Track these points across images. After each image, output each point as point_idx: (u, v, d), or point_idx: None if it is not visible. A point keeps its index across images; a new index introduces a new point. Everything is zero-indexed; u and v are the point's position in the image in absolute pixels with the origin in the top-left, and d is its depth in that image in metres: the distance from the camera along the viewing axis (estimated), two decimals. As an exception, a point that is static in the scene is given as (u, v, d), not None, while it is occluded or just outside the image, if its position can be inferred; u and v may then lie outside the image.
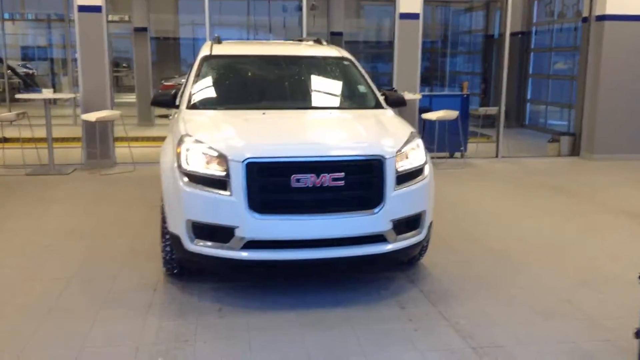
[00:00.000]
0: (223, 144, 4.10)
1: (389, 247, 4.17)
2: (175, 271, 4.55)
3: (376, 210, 4.09)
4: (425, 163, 4.46)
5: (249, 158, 3.96)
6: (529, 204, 7.10)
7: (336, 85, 5.56)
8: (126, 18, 16.58)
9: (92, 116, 8.44)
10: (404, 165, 4.26)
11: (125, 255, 5.16)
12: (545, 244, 5.55)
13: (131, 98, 16.55)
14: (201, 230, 4.09)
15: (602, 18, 9.90)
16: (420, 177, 4.38)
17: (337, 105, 5.38)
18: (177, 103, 5.17)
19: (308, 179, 3.95)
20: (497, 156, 10.21)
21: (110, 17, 9.35)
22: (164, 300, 4.25)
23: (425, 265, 4.91)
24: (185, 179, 4.10)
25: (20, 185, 7.85)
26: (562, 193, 7.68)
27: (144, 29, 14.69)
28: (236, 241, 4.00)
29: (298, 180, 3.95)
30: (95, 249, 5.33)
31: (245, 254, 4.02)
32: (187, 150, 4.16)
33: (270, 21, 15.77)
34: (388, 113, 5.14)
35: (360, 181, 4.11)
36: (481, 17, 17.28)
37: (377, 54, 18.00)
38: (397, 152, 4.21)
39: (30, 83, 19.35)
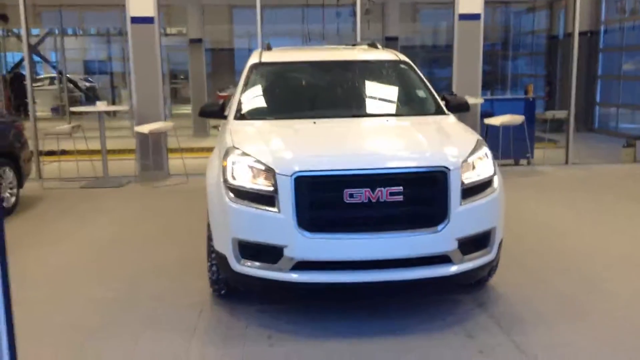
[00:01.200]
0: (270, 157, 3.79)
1: (454, 268, 3.74)
2: (222, 292, 4.27)
3: (440, 227, 3.67)
4: (494, 174, 4.02)
5: (297, 172, 3.63)
6: (607, 217, 6.48)
7: (393, 91, 5.18)
8: (183, 31, 16.70)
9: (145, 128, 8.35)
10: (471, 177, 3.83)
11: (173, 271, 4.93)
12: (636, 264, 4.97)
13: (188, 109, 16.64)
14: (248, 250, 3.79)
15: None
16: (489, 190, 3.94)
17: (394, 112, 4.97)
18: (225, 113, 4.92)
19: (362, 194, 3.59)
20: (566, 162, 9.56)
21: (167, 30, 9.27)
22: (210, 323, 3.97)
23: (494, 286, 4.45)
24: (232, 195, 3.81)
25: (75, 197, 7.81)
26: (630, 200, 7.03)
27: (199, 40, 14.72)
28: (285, 262, 3.67)
29: (351, 196, 3.59)
30: (143, 264, 5.13)
31: (295, 276, 3.68)
32: (233, 163, 3.87)
33: (324, 28, 15.50)
34: (450, 119, 4.72)
35: (421, 195, 3.71)
36: (544, 17, 16.50)
37: (434, 58, 17.45)
38: (462, 163, 3.79)
39: (91, 96, 19.79)
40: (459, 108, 5.04)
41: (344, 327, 3.86)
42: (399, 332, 3.77)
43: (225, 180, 3.86)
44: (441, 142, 4.01)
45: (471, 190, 3.83)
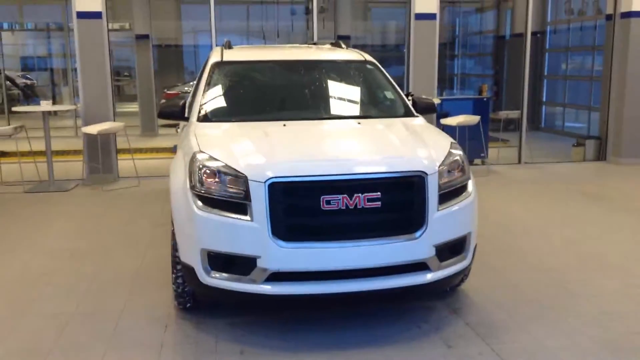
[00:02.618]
0: (241, 162, 3.60)
1: (430, 276, 3.65)
2: (188, 305, 4.05)
3: (417, 234, 3.57)
4: (469, 178, 3.96)
5: (271, 178, 3.46)
6: (565, 214, 6.58)
7: (361, 92, 5.06)
8: (127, 26, 16.15)
9: (93, 129, 7.96)
10: (447, 182, 3.75)
11: (131, 282, 4.66)
12: (598, 260, 5.03)
13: (133, 107, 16.12)
14: (218, 261, 3.58)
15: (628, 15, 9.40)
16: (464, 195, 3.87)
17: (364, 113, 4.85)
18: (186, 115, 4.68)
19: (340, 201, 3.45)
20: (519, 162, 9.70)
21: (110, 26, 8.86)
22: (177, 339, 3.74)
23: (465, 291, 4.40)
24: (199, 203, 3.59)
25: (19, 203, 7.36)
26: (598, 201, 7.17)
27: (146, 37, 14.25)
28: (258, 273, 3.49)
29: (328, 202, 3.44)
30: (99, 275, 4.83)
31: (268, 288, 3.51)
32: (201, 168, 3.66)
33: (278, 26, 15.30)
34: (419, 121, 4.64)
35: (400, 201, 3.60)
36: (491, 17, 16.80)
37: (385, 57, 17.51)
38: (439, 167, 3.70)
39: (29, 94, 18.91)
40: (427, 110, 4.98)
41: (320, 338, 3.71)
42: (378, 342, 3.65)
43: (193, 187, 3.64)
44: (417, 146, 3.90)
45: (448, 195, 3.75)
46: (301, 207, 3.50)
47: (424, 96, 5.22)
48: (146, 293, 4.45)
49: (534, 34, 14.02)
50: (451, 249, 3.78)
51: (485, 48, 17.46)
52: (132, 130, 11.65)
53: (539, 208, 6.92)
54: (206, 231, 3.57)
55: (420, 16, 9.17)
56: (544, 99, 14.72)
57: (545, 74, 14.70)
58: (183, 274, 3.81)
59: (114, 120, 8.77)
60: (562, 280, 4.60)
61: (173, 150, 11.43)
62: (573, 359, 3.44)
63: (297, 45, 6.16)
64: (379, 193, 3.49)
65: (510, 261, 5.05)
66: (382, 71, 5.17)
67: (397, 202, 3.59)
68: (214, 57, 5.17)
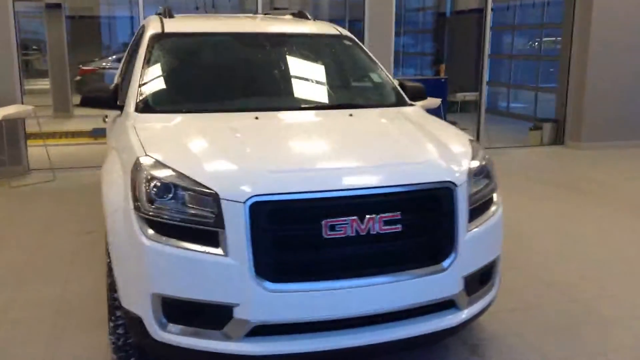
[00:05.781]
0: (208, 173, 2.59)
1: (462, 316, 2.80)
2: (132, 361, 3.01)
3: (446, 263, 2.71)
4: (497, 186, 3.13)
5: (253, 196, 2.47)
6: (557, 213, 5.89)
7: (343, 74, 4.12)
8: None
9: (-5, 113, 6.59)
10: (476, 193, 2.90)
11: (50, 318, 3.57)
12: (599, 264, 4.38)
13: (43, 84, 14.45)
14: (178, 310, 2.58)
15: (591, -9, 8.89)
16: (492, 208, 3.04)
17: (350, 102, 3.87)
18: (119, 102, 3.59)
19: (348, 225, 2.51)
20: (478, 147, 9.07)
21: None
22: (120, 414, 2.73)
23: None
24: (150, 230, 2.56)
25: None
26: (569, 191, 6.61)
27: (58, 6, 12.64)
28: (236, 327, 2.51)
29: (333, 228, 2.50)
30: (6, 308, 3.70)
31: (249, 347, 2.54)
32: (149, 180, 2.62)
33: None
34: (418, 111, 3.77)
35: (423, 222, 2.71)
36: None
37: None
38: (467, 174, 2.84)
39: None
40: (416, 96, 4.09)
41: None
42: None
43: (138, 208, 2.60)
44: (435, 147, 2.99)
45: (476, 211, 2.90)
46: (296, 235, 2.53)
47: (409, 79, 4.34)
48: (71, 335, 3.38)
49: (474, 10, 13.55)
50: (479, 278, 2.95)
51: (425, 25, 16.83)
52: (42, 110, 10.19)
53: (507, 201, 6.25)
54: (160, 270, 2.55)
55: (375, -13, 8.27)
56: (487, 79, 14.24)
57: (489, 53, 14.18)
58: (127, 325, 2.78)
59: (22, 102, 7.39)
60: (577, 300, 3.90)
61: (93, 134, 10.06)
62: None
63: (251, 15, 5.10)
64: (398, 213, 2.59)
65: (511, 273, 4.29)
66: (362, 48, 4.25)
67: (421, 223, 2.69)
68: (152, 27, 4.05)
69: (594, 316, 3.67)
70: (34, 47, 19.50)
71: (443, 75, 9.41)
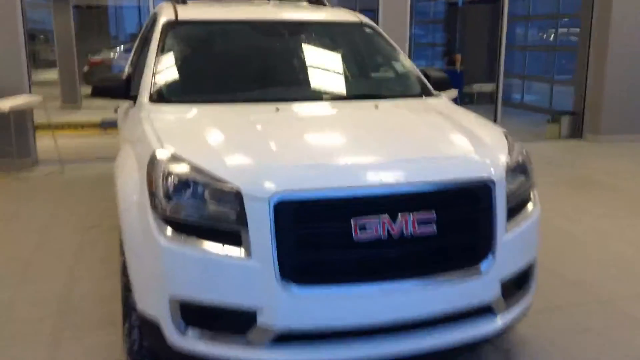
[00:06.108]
0: (229, 167, 2.42)
1: (498, 323, 2.62)
2: (147, 365, 2.85)
3: (483, 266, 2.53)
4: (534, 182, 2.95)
5: (279, 193, 2.30)
6: (569, 205, 5.71)
7: (364, 63, 3.93)
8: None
9: (4, 104, 6.44)
10: (515, 190, 2.72)
11: (57, 318, 3.41)
12: (625, 263, 4.19)
13: (50, 75, 14.32)
14: (197, 315, 2.41)
15: (612, -20, 8.64)
16: (530, 206, 2.86)
17: (374, 92, 3.69)
18: (132, 92, 3.42)
19: (379, 225, 2.34)
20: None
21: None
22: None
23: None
24: (168, 230, 2.39)
25: None
26: (596, 187, 6.39)
27: (66, -5, 12.51)
28: (259, 333, 2.35)
29: (364, 228, 2.33)
30: (12, 305, 3.55)
31: (273, 355, 2.37)
32: (167, 177, 2.45)
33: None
34: (446, 102, 3.58)
35: (460, 222, 2.53)
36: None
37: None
38: (505, 170, 2.65)
39: None
40: (441, 86, 3.91)
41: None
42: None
43: (155, 206, 2.43)
44: (471, 141, 2.80)
45: (514, 210, 2.72)
46: (324, 236, 2.35)
47: (433, 68, 4.15)
48: (78, 334, 3.22)
49: (489, 1, 13.29)
50: (515, 282, 2.77)
51: (437, 15, 16.57)
52: (50, 101, 10.04)
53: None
54: (179, 272, 2.39)
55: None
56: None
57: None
58: (142, 330, 2.62)
59: (30, 93, 7.24)
60: (617, 307, 3.72)
61: (103, 126, 9.91)
62: None
63: (267, 1, 4.90)
64: (433, 211, 2.41)
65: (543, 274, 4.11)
66: (384, 37, 4.06)
67: (457, 222, 2.51)
68: (165, 15, 3.87)
69: (621, 316, 3.49)
70: (41, 36, 19.41)
71: (460, 67, 9.16)
